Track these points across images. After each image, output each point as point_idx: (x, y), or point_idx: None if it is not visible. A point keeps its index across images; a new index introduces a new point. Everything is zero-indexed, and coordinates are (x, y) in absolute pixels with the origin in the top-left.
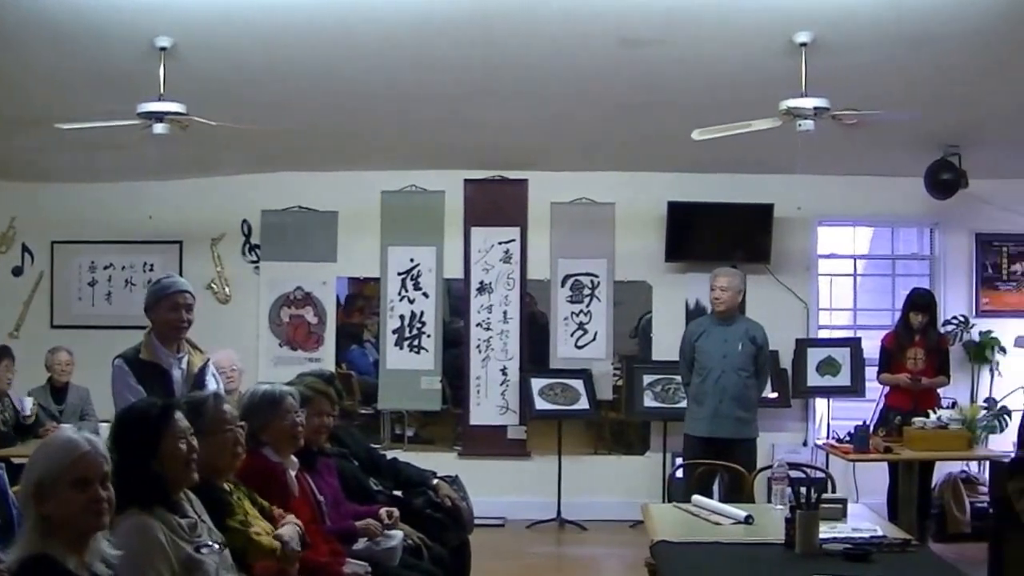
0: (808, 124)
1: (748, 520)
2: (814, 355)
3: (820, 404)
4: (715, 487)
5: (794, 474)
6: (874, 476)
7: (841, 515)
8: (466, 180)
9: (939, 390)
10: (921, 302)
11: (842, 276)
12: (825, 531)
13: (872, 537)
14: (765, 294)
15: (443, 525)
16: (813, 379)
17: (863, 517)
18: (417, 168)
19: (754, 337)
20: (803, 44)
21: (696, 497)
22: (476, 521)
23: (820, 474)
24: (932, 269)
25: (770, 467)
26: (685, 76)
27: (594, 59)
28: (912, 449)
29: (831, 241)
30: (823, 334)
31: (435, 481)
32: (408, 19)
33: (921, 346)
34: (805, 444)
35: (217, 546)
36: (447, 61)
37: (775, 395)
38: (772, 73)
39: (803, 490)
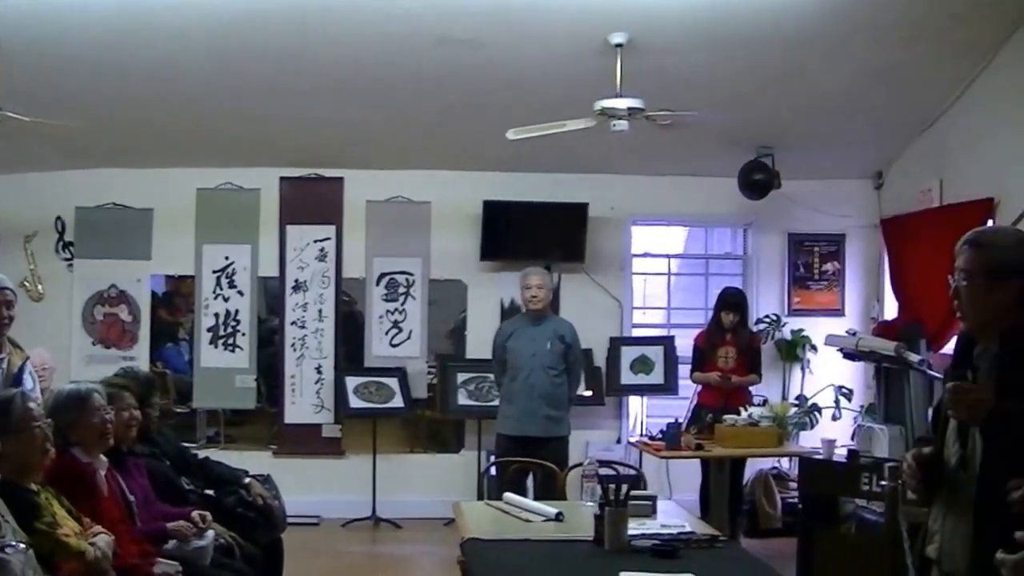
0: (622, 124)
1: (558, 517)
2: (628, 353)
3: (634, 402)
4: (529, 485)
5: (606, 472)
6: (687, 473)
7: (650, 512)
8: (282, 178)
9: (751, 388)
10: (732, 301)
11: (656, 275)
12: (634, 527)
13: (680, 533)
14: (579, 293)
15: (255, 524)
16: (627, 377)
17: (672, 514)
18: (233, 166)
19: (563, 336)
20: (618, 45)
21: (507, 495)
22: (290, 520)
23: (631, 471)
24: (745, 268)
25: (582, 464)
26: (501, 76)
27: (411, 58)
28: (723, 446)
29: (645, 240)
30: (637, 333)
31: (247, 480)
32: (222, 15)
33: (732, 344)
34: (619, 442)
35: (22, 546)
36: (263, 58)
37: (589, 393)
38: (588, 73)
39: (612, 487)
